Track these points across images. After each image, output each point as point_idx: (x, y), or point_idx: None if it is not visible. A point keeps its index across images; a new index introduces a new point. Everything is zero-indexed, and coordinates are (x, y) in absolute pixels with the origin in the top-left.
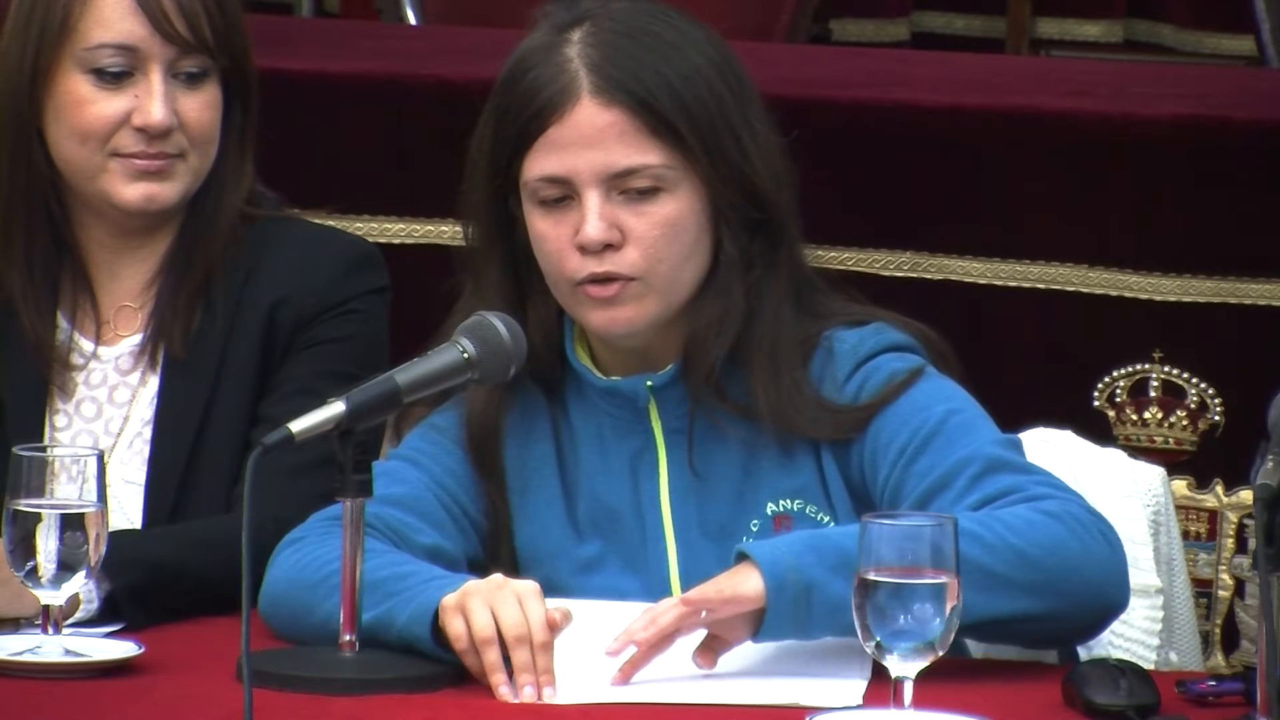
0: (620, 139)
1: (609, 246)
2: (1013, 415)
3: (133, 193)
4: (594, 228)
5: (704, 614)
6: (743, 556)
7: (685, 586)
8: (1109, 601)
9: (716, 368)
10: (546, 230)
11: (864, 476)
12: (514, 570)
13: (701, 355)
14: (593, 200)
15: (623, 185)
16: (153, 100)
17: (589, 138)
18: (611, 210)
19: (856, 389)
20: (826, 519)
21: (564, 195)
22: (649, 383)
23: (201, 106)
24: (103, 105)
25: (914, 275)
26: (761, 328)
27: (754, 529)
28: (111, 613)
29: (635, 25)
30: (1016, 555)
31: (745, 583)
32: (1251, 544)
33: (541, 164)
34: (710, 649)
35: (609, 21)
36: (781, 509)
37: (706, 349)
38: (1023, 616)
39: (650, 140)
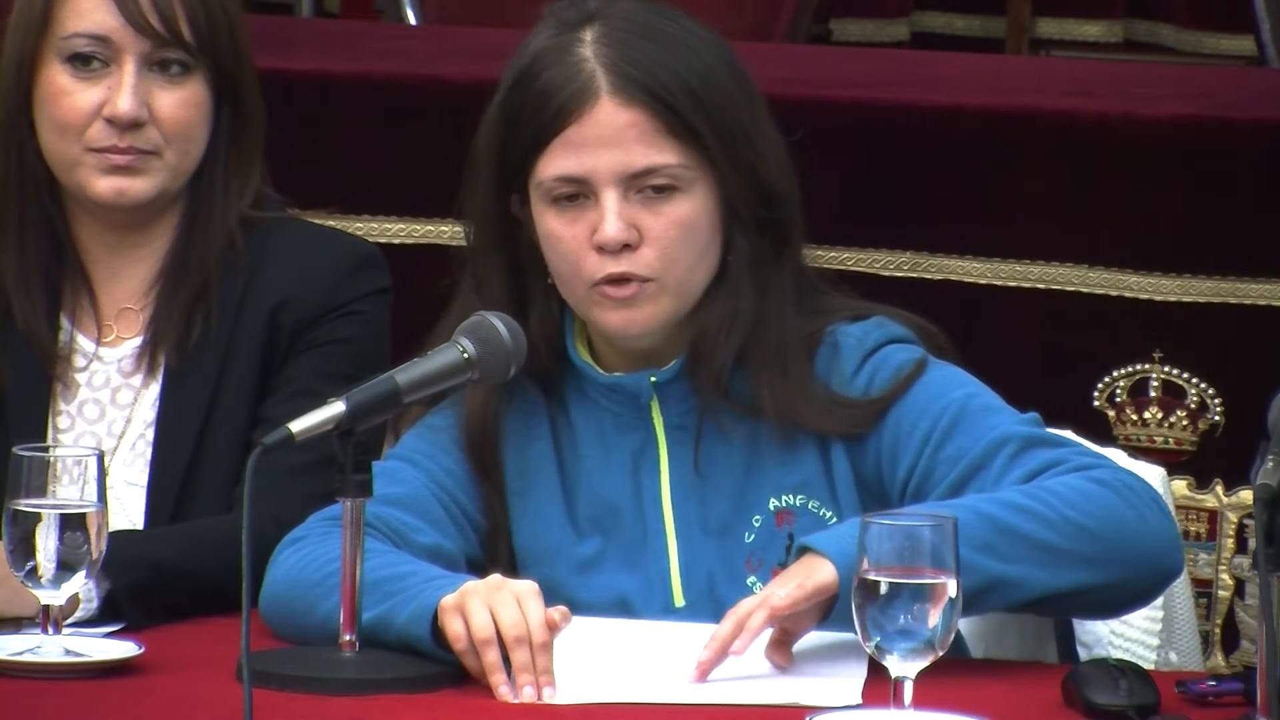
0: (639, 139)
1: (626, 246)
2: None
3: (103, 186)
4: (613, 227)
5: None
6: (804, 549)
7: (685, 584)
8: (1166, 567)
9: (726, 367)
10: (560, 230)
11: (881, 470)
12: (512, 569)
13: (710, 354)
14: (611, 200)
15: (640, 185)
16: (121, 92)
17: (608, 137)
18: (629, 209)
19: (866, 382)
20: (830, 514)
21: (578, 193)
22: (653, 379)
23: (178, 103)
24: (78, 97)
25: (914, 275)
26: (767, 326)
27: (756, 524)
28: (111, 613)
29: (647, 24)
30: (1074, 528)
31: (820, 573)
32: (1251, 544)
33: (558, 164)
34: (783, 644)
35: (620, 21)
36: (784, 504)
37: (715, 348)
38: (1084, 588)
39: (668, 140)
